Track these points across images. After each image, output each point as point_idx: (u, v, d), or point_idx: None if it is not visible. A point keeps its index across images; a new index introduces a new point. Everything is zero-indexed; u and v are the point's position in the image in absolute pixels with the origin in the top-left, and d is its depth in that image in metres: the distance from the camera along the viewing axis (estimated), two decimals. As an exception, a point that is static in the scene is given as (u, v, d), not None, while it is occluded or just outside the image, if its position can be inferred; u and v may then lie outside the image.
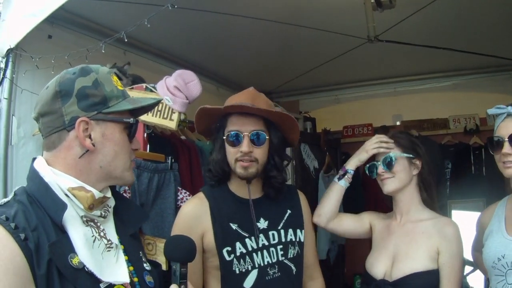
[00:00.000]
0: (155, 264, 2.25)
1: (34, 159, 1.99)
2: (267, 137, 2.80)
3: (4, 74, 3.95)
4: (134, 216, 2.24)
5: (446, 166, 6.84)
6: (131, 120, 2.02)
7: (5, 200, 1.84)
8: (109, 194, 2.06)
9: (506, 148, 2.69)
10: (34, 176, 1.91)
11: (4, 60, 3.95)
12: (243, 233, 2.81)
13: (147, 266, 2.13)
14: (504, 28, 5.25)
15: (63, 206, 1.81)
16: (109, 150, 1.96)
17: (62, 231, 1.80)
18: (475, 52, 5.81)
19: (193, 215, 2.86)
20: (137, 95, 3.34)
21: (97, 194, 1.93)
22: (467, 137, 6.93)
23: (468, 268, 4.07)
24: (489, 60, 6.19)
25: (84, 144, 1.90)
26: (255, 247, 2.81)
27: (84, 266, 1.77)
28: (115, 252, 1.96)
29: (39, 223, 1.76)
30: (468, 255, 3.35)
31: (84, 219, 1.89)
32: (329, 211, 3.41)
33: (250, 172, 2.78)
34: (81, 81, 1.93)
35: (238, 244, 2.79)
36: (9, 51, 3.93)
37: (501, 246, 2.74)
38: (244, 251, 2.78)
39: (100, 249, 1.88)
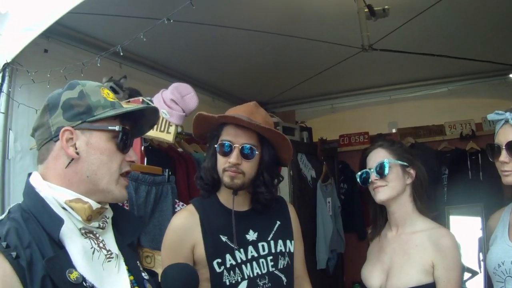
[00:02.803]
0: (151, 273, 2.25)
1: (29, 174, 1.97)
2: (257, 152, 2.80)
3: (0, 89, 3.95)
4: (132, 226, 2.22)
5: (443, 172, 6.84)
6: (117, 127, 1.99)
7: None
8: (106, 204, 2.05)
9: (503, 156, 2.66)
10: (30, 192, 1.90)
11: (0, 75, 3.96)
12: (232, 245, 2.81)
13: (145, 275, 2.13)
14: (497, 33, 5.29)
15: (60, 222, 1.80)
16: (95, 159, 1.94)
17: (59, 247, 1.78)
18: (470, 58, 5.83)
19: (183, 228, 2.86)
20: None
21: (95, 205, 1.92)
22: (463, 142, 6.93)
23: (467, 275, 4.08)
24: (483, 66, 6.22)
25: (67, 152, 1.90)
26: (244, 259, 2.81)
27: (83, 280, 1.76)
28: (116, 262, 1.96)
29: (32, 240, 1.74)
30: (466, 260, 3.34)
31: (83, 231, 1.88)
32: None
33: (236, 182, 2.77)
34: (67, 94, 1.96)
35: (228, 256, 2.78)
36: (6, 66, 3.94)
37: (502, 252, 2.72)
38: (234, 263, 2.78)
39: (100, 260, 1.87)
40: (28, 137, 3.93)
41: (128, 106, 2.51)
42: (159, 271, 2.86)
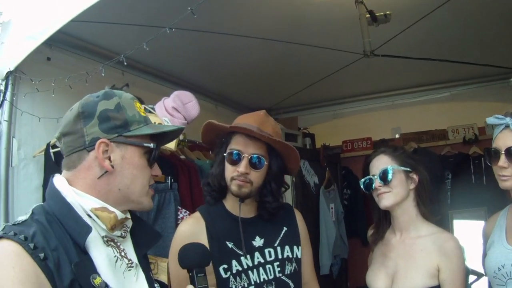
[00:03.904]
0: (161, 285, 2.26)
1: (52, 176, 1.97)
2: (266, 162, 2.82)
3: (4, 97, 3.97)
4: (148, 237, 2.23)
5: (446, 177, 6.85)
6: (152, 145, 2.01)
7: (23, 218, 1.81)
8: (129, 215, 2.06)
9: (502, 161, 2.67)
10: (55, 195, 1.89)
11: (3, 83, 3.97)
12: (238, 251, 2.83)
13: (157, 286, 2.15)
14: (499, 37, 5.29)
15: (88, 229, 1.82)
16: (128, 173, 1.96)
17: (83, 252, 1.80)
18: (472, 63, 5.84)
19: (189, 234, 2.85)
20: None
21: (120, 215, 1.94)
22: (466, 147, 6.95)
23: (472, 277, 4.07)
24: (486, 69, 6.21)
25: (103, 165, 1.90)
26: (250, 264, 2.82)
27: (106, 286, 1.78)
28: (135, 271, 1.98)
29: (59, 243, 1.74)
30: (471, 263, 3.34)
31: (105, 239, 1.89)
32: None
33: (243, 191, 2.80)
34: (104, 104, 1.94)
35: (234, 262, 2.80)
36: (9, 74, 3.95)
37: (501, 256, 2.73)
38: (240, 268, 2.80)
39: (122, 269, 1.89)
40: (32, 144, 3.97)
41: (154, 118, 2.50)
42: (162, 277, 2.88)
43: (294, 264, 2.95)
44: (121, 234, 1.98)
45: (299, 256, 3.00)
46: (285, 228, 3.01)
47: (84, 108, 1.93)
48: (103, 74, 3.48)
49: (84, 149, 1.91)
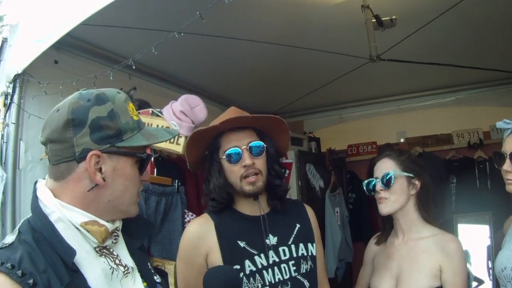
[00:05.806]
0: (162, 274, 2.23)
1: (35, 183, 1.90)
2: (265, 145, 2.79)
3: (11, 99, 3.99)
4: (140, 228, 2.17)
5: (451, 181, 6.85)
6: (144, 155, 1.93)
7: (9, 240, 1.73)
8: (118, 222, 1.98)
9: (506, 165, 2.71)
10: (38, 212, 1.80)
11: (11, 85, 3.99)
12: (252, 251, 2.74)
13: (157, 278, 2.11)
14: (504, 41, 5.29)
15: (72, 252, 1.73)
16: (119, 185, 1.88)
17: (74, 271, 1.72)
18: (477, 67, 5.84)
19: (197, 234, 2.80)
20: (146, 120, 3.35)
21: (111, 226, 1.88)
22: (471, 151, 6.94)
23: (473, 283, 4.08)
24: (491, 74, 6.22)
25: (94, 178, 1.80)
26: (265, 264, 2.73)
27: None
28: (132, 275, 1.94)
29: (48, 264, 1.67)
30: (474, 269, 3.35)
31: (97, 249, 1.84)
32: None
33: (258, 186, 2.73)
34: (96, 111, 1.81)
35: (247, 262, 2.70)
36: (16, 77, 3.98)
37: (505, 258, 2.76)
38: (254, 269, 2.71)
39: (119, 278, 1.85)
40: (39, 147, 3.97)
41: (162, 122, 2.46)
42: (169, 281, 2.86)
43: (309, 263, 2.86)
44: (112, 241, 1.94)
45: (315, 254, 2.91)
46: (298, 225, 2.93)
47: (75, 115, 1.80)
48: (111, 78, 3.50)
49: (74, 160, 1.80)
